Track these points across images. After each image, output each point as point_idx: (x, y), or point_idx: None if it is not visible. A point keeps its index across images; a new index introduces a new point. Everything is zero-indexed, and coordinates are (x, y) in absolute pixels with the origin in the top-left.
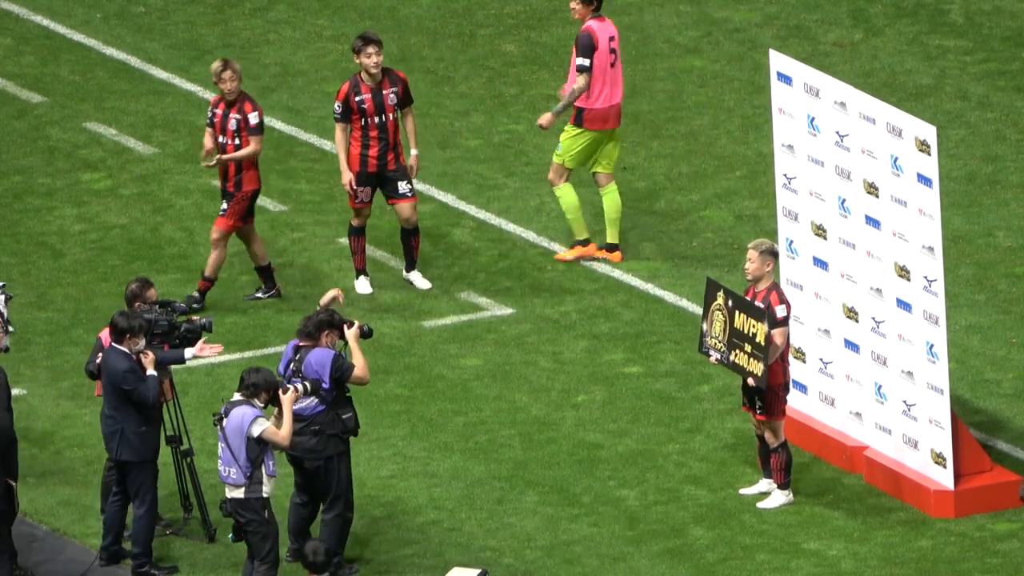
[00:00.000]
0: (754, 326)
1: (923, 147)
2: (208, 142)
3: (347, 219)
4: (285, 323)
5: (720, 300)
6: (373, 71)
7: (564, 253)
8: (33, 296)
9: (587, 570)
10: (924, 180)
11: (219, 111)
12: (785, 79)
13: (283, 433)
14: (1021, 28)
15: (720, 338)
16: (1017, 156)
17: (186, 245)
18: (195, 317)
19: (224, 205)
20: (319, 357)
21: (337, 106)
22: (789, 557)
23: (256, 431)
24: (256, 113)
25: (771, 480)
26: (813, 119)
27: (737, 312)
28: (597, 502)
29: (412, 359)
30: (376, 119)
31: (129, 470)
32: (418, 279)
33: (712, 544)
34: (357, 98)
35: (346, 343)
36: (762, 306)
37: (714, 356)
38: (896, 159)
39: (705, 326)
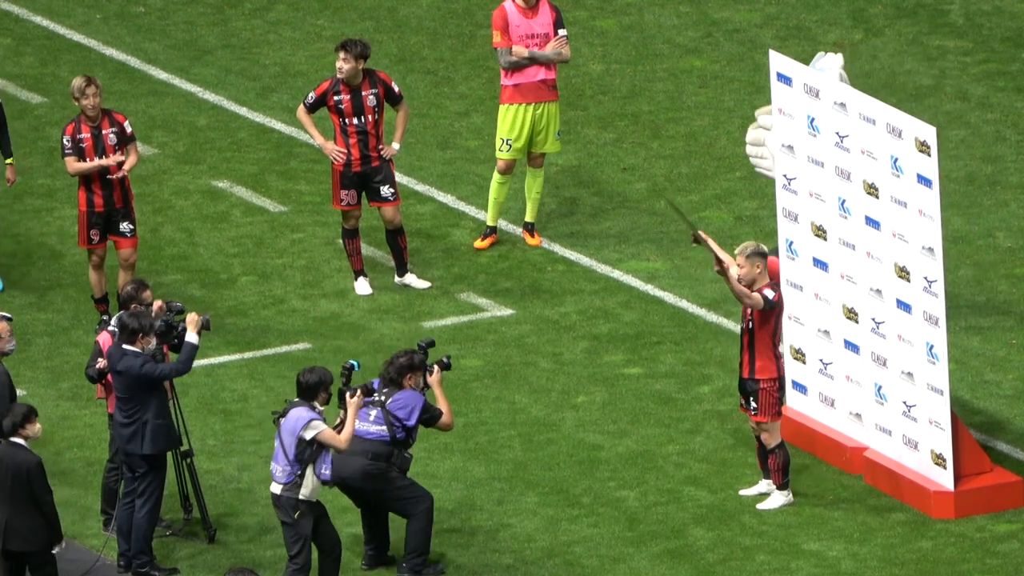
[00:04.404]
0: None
1: (923, 148)
2: (82, 166)
3: None
4: (285, 324)
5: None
6: (340, 76)
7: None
8: (33, 297)
9: (587, 571)
10: (924, 181)
11: (86, 135)
12: (785, 80)
13: (343, 436)
14: (1021, 29)
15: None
16: (1017, 157)
17: (186, 246)
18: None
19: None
20: (407, 398)
21: (311, 95)
22: (789, 558)
23: (308, 435)
24: (128, 121)
25: (770, 481)
26: (813, 120)
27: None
28: (597, 503)
29: None
30: (355, 120)
31: (146, 470)
32: (414, 280)
33: (712, 545)
34: (336, 97)
35: (428, 386)
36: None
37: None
38: (896, 160)
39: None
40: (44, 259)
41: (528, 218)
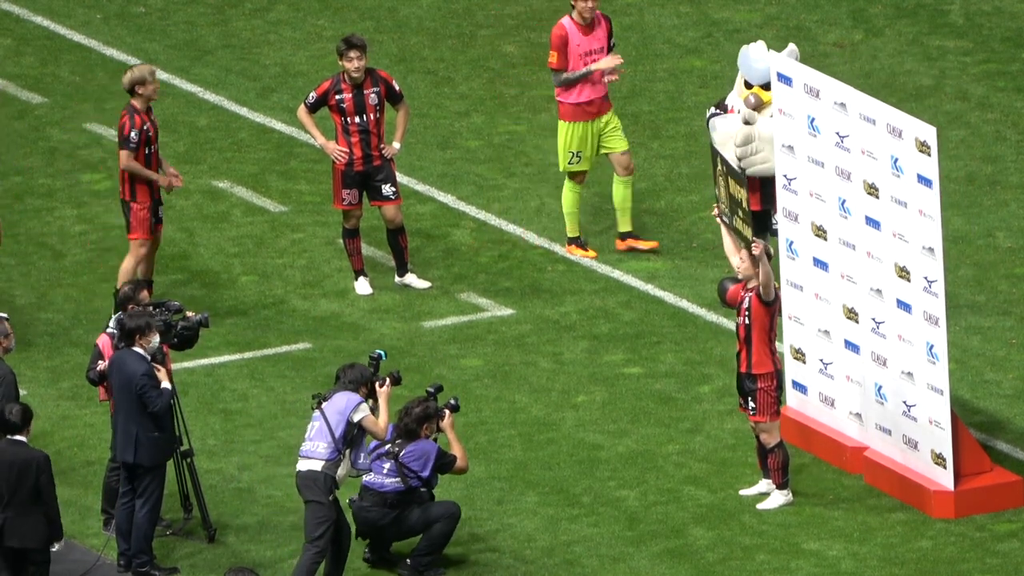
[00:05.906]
0: (740, 191)
1: (923, 148)
2: (137, 167)
3: None
4: (285, 324)
5: (720, 166)
6: (355, 75)
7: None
8: (33, 297)
9: (587, 570)
10: (924, 181)
11: (147, 124)
12: (785, 80)
13: (381, 424)
14: (1021, 29)
15: (725, 202)
16: (1017, 157)
17: (186, 246)
18: (190, 313)
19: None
20: (422, 448)
21: (312, 95)
22: (789, 557)
23: (357, 417)
24: None
25: (770, 481)
26: (813, 120)
27: (729, 178)
28: (597, 502)
29: (412, 360)
30: (357, 119)
31: (143, 473)
32: (414, 280)
33: (712, 544)
34: (337, 96)
35: (440, 431)
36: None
37: (723, 219)
38: (896, 160)
39: (717, 191)
40: (44, 259)
41: (623, 228)
